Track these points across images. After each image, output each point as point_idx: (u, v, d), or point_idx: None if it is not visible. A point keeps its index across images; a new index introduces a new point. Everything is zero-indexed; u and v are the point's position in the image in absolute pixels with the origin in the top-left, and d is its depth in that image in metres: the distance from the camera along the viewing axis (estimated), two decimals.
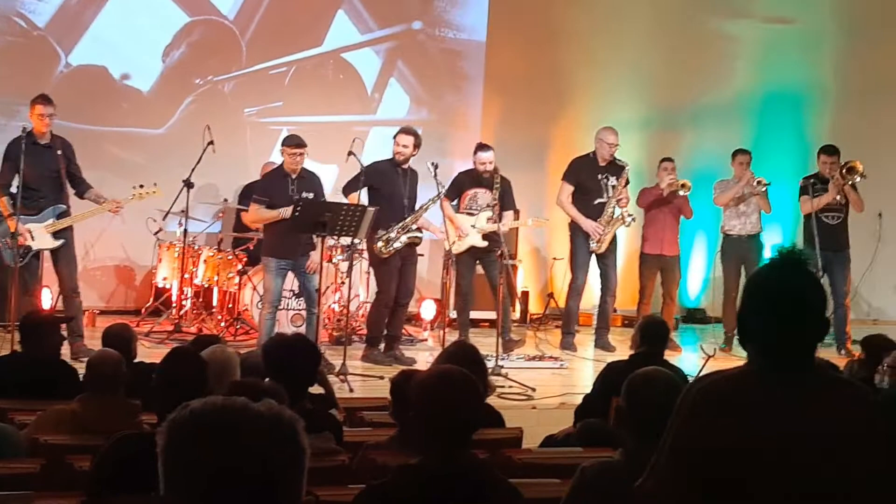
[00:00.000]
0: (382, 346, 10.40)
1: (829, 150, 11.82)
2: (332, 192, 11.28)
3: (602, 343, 11.50)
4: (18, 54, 12.39)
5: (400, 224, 10.15)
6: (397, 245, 10.15)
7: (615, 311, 12.18)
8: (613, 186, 11.28)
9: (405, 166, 10.27)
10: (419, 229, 10.32)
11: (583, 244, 11.32)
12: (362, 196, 10.25)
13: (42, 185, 9.52)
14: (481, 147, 10.93)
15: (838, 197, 11.62)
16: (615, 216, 11.26)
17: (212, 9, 13.48)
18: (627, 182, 11.40)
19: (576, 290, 11.49)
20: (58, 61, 12.78)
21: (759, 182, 11.66)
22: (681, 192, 11.54)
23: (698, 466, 2.88)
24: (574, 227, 11.38)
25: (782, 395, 2.89)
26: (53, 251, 9.59)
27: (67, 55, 12.83)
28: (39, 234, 9.48)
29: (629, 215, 11.30)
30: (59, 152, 9.54)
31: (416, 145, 10.27)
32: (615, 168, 11.35)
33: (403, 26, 14.13)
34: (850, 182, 11.52)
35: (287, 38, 13.51)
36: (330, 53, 13.89)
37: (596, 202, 11.27)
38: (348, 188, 10.33)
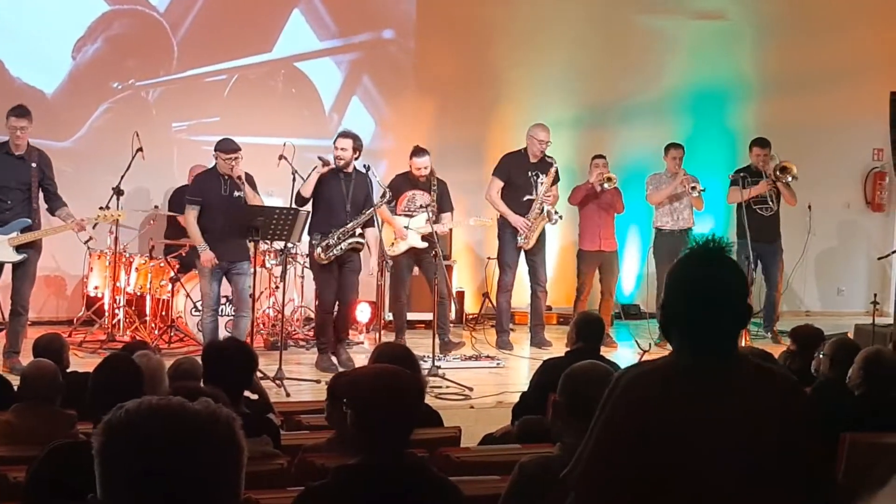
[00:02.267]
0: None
1: (761, 143, 12.13)
2: None
3: (538, 340, 11.56)
4: None
5: (341, 230, 10.12)
6: (336, 251, 10.10)
7: (549, 308, 12.27)
8: (542, 183, 11.36)
9: (348, 170, 10.21)
10: (361, 235, 10.27)
11: (510, 240, 11.40)
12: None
13: (9, 196, 9.40)
14: (417, 152, 10.93)
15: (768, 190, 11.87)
16: (542, 213, 11.34)
17: None
18: (556, 180, 11.47)
19: (505, 286, 11.56)
20: None
21: (693, 188, 11.79)
22: (606, 186, 11.61)
23: (625, 453, 2.94)
24: (502, 224, 11.46)
25: (705, 383, 2.96)
26: (13, 265, 9.48)
27: None
28: (1, 247, 9.35)
29: (556, 213, 11.40)
30: (34, 165, 9.45)
31: (356, 148, 10.17)
32: (545, 165, 11.42)
33: (371, 34, 12.94)
34: (782, 181, 11.77)
35: (229, 40, 12.35)
36: (281, 61, 12.56)
37: (525, 199, 11.35)
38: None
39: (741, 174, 11.93)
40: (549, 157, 11.45)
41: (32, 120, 9.43)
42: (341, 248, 10.09)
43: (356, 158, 10.21)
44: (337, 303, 10.27)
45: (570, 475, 3.12)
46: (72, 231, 9.77)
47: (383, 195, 10.18)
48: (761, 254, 11.97)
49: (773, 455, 2.91)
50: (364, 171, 10.20)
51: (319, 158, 10.15)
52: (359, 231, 10.19)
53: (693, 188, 11.82)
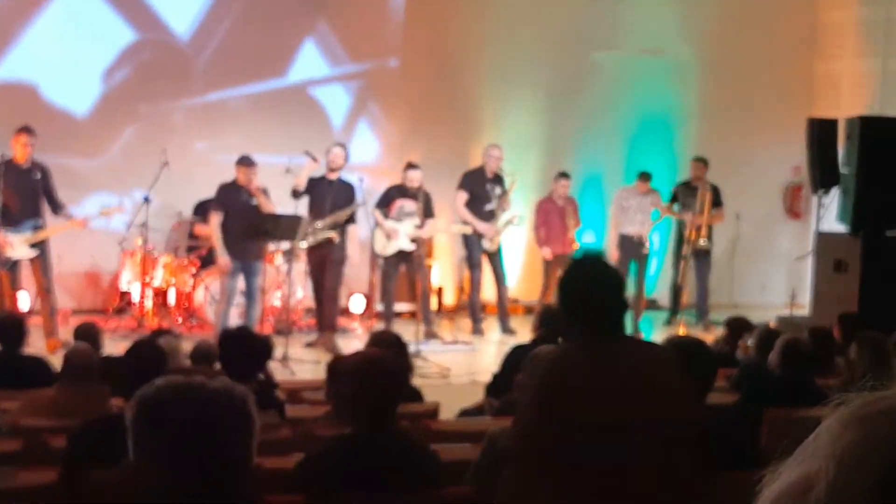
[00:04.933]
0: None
1: (699, 159, 12.38)
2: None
3: (506, 328, 11.64)
4: None
5: (316, 223, 10.30)
6: (310, 240, 10.26)
7: (516, 301, 12.42)
8: (499, 196, 11.48)
9: (333, 177, 10.38)
10: (339, 230, 10.36)
11: (475, 244, 11.52)
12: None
13: (21, 203, 9.49)
14: (411, 167, 11.00)
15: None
16: (505, 219, 11.52)
17: (163, 27, 11.60)
18: (509, 189, 11.59)
19: (475, 284, 11.68)
20: None
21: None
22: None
23: (538, 412, 3.14)
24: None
25: (596, 354, 3.18)
26: (32, 259, 9.59)
27: None
28: (18, 245, 9.48)
29: (519, 217, 11.62)
30: (38, 176, 9.56)
31: (346, 158, 10.48)
32: (500, 179, 11.60)
33: (378, 62, 12.63)
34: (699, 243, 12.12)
35: (247, 67, 12.00)
36: (294, 87, 12.21)
37: (486, 208, 11.49)
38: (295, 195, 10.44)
39: (680, 188, 12.15)
40: (503, 171, 11.60)
41: (36, 137, 9.49)
42: (314, 238, 10.22)
43: (342, 167, 10.45)
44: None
45: (508, 441, 3.29)
46: (77, 229, 9.91)
47: (354, 205, 10.36)
48: (695, 255, 12.16)
49: (658, 410, 3.11)
50: (349, 181, 10.45)
51: (307, 153, 10.30)
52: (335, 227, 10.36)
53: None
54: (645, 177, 12.22)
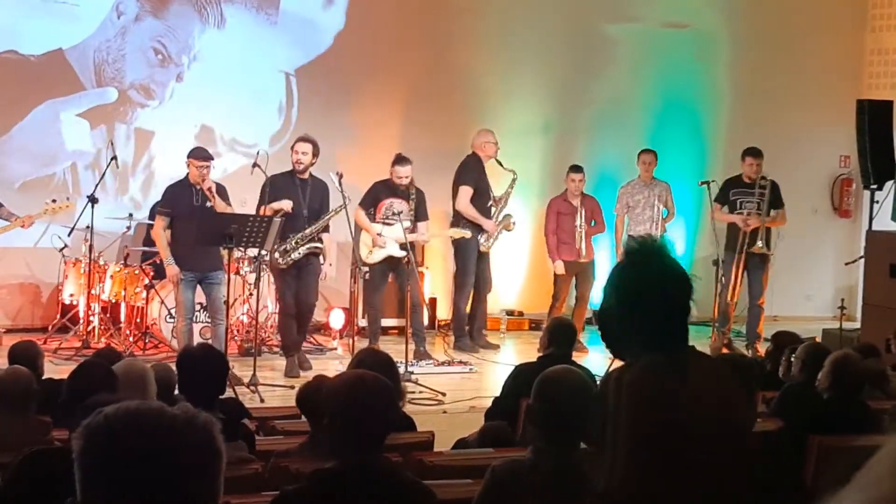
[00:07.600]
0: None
1: (755, 153, 11.80)
2: None
3: (483, 343, 11.74)
4: None
5: (299, 235, 10.12)
6: (295, 256, 10.12)
7: (521, 314, 12.37)
8: (505, 191, 11.63)
9: (304, 176, 10.22)
10: (320, 239, 10.28)
11: (472, 244, 11.50)
12: None
13: None
14: (400, 160, 10.87)
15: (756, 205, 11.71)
16: (502, 219, 11.62)
17: None
18: (510, 186, 11.72)
19: (464, 290, 11.68)
20: None
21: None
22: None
23: (648, 447, 3.14)
24: (464, 228, 11.52)
25: (682, 374, 3.16)
26: None
27: None
28: None
29: (513, 221, 11.72)
30: None
31: (315, 153, 10.19)
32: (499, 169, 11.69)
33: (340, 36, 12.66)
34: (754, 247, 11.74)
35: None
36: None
37: (488, 204, 11.58)
38: (259, 202, 10.25)
39: (730, 186, 11.82)
40: (501, 164, 11.66)
41: None
42: (299, 253, 10.11)
43: (312, 164, 10.22)
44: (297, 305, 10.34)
45: (609, 487, 3.20)
46: (20, 229, 9.85)
47: (342, 205, 10.16)
48: (746, 262, 11.74)
49: (732, 426, 3.19)
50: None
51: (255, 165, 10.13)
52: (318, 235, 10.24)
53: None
54: (648, 156, 12.16)
